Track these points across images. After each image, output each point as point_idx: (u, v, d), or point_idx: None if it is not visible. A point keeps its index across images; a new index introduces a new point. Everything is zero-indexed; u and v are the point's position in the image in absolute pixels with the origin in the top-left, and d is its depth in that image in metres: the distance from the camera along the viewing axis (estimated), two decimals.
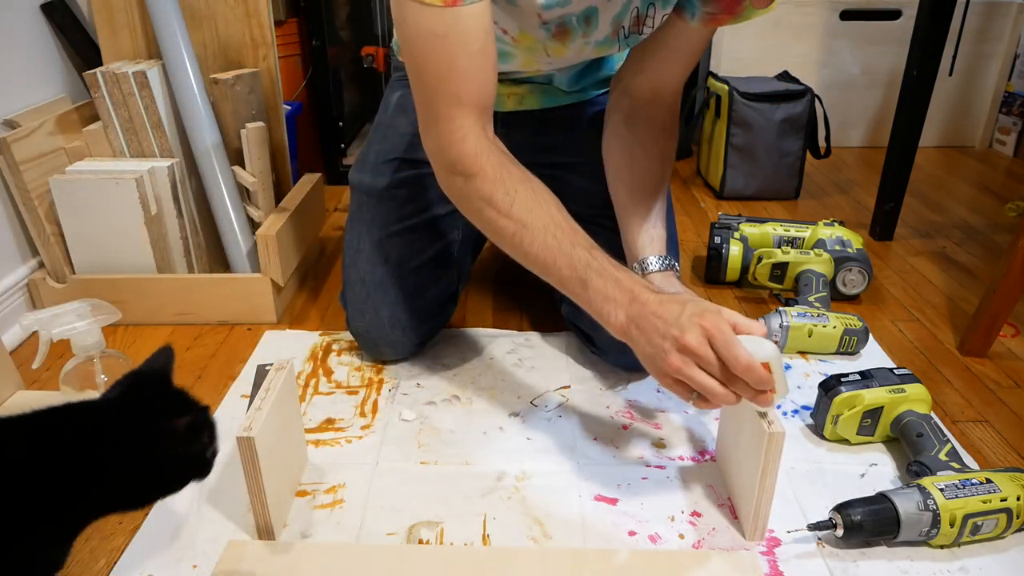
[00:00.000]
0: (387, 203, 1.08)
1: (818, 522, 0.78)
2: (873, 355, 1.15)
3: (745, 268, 1.36)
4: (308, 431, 0.97)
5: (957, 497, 0.76)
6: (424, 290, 1.08)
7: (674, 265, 0.92)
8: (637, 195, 0.94)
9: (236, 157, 1.32)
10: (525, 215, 0.77)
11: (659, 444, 0.95)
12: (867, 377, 0.94)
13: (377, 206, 1.09)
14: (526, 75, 1.03)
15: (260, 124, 1.29)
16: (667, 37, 0.90)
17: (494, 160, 0.78)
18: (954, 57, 1.97)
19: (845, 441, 0.94)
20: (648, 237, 0.93)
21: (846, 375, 0.94)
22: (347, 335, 1.21)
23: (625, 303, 0.73)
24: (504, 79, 1.04)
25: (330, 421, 1.00)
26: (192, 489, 0.87)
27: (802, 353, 1.15)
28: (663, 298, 0.73)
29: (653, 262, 0.91)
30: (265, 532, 0.79)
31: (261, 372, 1.11)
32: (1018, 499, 0.77)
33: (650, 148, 0.95)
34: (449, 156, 0.78)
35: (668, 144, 0.97)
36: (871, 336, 1.18)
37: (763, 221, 1.45)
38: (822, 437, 0.96)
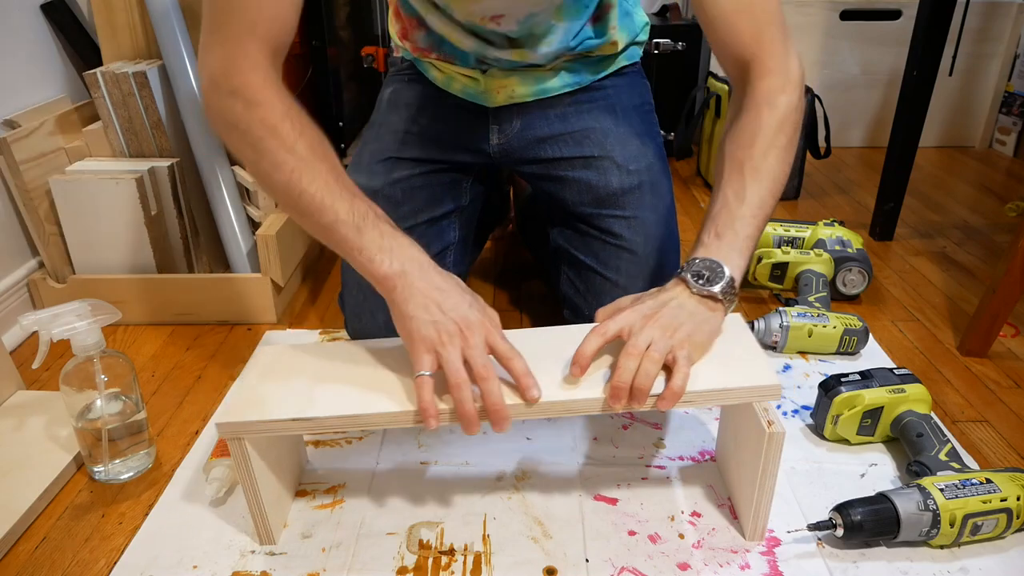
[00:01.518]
0: (382, 205, 1.05)
1: (818, 522, 0.78)
2: (873, 355, 1.15)
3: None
4: None
5: (957, 497, 0.76)
6: None
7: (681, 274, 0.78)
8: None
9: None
10: (309, 153, 0.74)
11: (659, 444, 0.95)
12: (867, 377, 0.94)
13: None
14: (478, 27, 0.96)
15: None
16: None
17: (283, 96, 0.76)
18: (954, 57, 1.97)
19: (845, 441, 0.94)
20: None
21: (846, 375, 0.94)
22: (347, 335, 1.21)
23: (402, 258, 0.73)
24: (488, 65, 1.02)
25: None
26: (193, 491, 0.87)
27: (802, 353, 1.15)
28: (451, 280, 0.75)
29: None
30: (264, 533, 0.79)
31: None
32: (1018, 499, 0.77)
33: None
34: (233, 81, 0.74)
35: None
36: (871, 336, 1.18)
37: None
38: (822, 437, 0.96)
